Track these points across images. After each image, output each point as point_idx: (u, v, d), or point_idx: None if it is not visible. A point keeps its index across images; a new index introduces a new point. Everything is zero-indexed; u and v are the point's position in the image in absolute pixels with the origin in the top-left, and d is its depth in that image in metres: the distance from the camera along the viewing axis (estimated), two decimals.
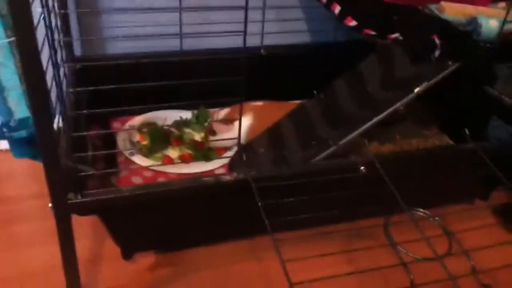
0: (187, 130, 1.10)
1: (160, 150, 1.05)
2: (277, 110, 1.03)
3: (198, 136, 1.08)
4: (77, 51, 1.13)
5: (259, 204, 0.68)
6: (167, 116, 1.14)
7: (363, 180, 0.79)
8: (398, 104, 0.83)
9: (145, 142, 1.05)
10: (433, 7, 0.88)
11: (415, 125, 1.16)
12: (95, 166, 0.92)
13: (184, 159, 1.02)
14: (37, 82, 0.57)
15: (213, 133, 1.06)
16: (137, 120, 1.10)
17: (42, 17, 0.68)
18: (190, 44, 1.20)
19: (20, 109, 0.77)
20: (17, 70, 0.74)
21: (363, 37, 1.05)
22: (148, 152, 1.03)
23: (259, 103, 1.06)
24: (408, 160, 0.86)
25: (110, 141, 1.07)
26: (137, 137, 1.08)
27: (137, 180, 0.94)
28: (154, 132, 1.07)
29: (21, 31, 0.54)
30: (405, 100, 0.83)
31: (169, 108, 1.12)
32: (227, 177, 0.72)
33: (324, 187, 0.76)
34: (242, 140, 0.98)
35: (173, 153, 1.05)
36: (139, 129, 1.09)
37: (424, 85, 0.83)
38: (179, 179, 0.87)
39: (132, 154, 1.00)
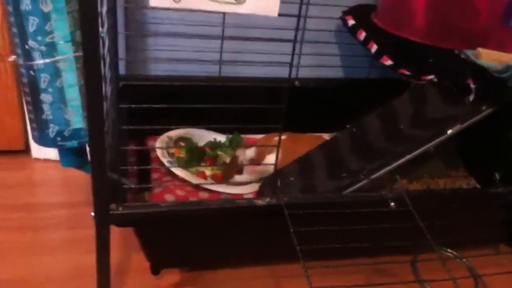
0: (219, 152, 1.13)
1: (195, 165, 1.08)
2: (305, 143, 1.06)
3: (229, 160, 1.11)
4: (121, 70, 1.18)
5: (291, 230, 0.70)
6: (202, 136, 1.18)
7: (392, 215, 0.80)
8: (430, 144, 0.85)
9: (180, 155, 1.09)
10: (469, 52, 0.91)
11: (442, 165, 1.18)
12: (132, 182, 0.96)
13: (216, 178, 1.05)
14: (96, 96, 0.62)
15: (241, 171, 1.08)
16: (173, 133, 1.14)
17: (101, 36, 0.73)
18: (228, 71, 1.25)
19: (76, 120, 0.81)
20: (78, 82, 0.79)
21: (398, 76, 1.09)
22: (184, 165, 1.06)
23: (285, 136, 1.09)
24: (438, 198, 0.87)
25: (143, 158, 1.11)
26: (172, 150, 1.12)
27: (169, 197, 0.97)
28: (191, 146, 1.10)
29: (88, 47, 0.58)
30: (437, 140, 0.85)
31: (204, 129, 1.16)
32: (260, 201, 0.75)
33: (353, 219, 0.78)
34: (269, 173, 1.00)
35: (206, 171, 1.08)
36: (176, 141, 1.12)
37: (457, 127, 0.85)
38: (214, 200, 0.90)
39: (170, 163, 1.04)
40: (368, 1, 1.22)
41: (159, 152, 1.05)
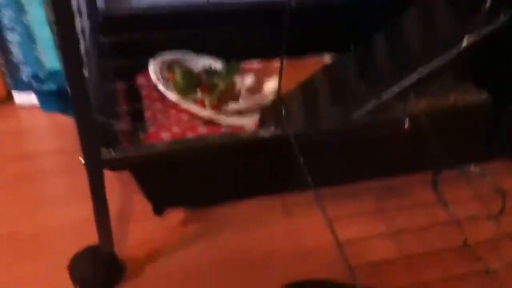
0: (216, 80, 1.05)
1: (191, 91, 1.01)
2: (305, 68, 0.98)
3: (224, 87, 1.04)
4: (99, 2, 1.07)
5: (301, 160, 0.65)
6: (197, 61, 1.09)
7: (407, 136, 0.75)
8: (443, 59, 0.78)
9: (176, 81, 1.01)
10: None
11: (452, 79, 1.11)
12: (123, 122, 0.90)
13: (215, 108, 0.98)
14: (68, 31, 0.54)
15: (236, 98, 1.01)
16: (166, 57, 1.06)
17: None
18: None
19: (50, 59, 0.73)
20: (46, 16, 0.70)
21: None
22: (180, 91, 0.99)
23: (287, 60, 1.00)
24: (454, 115, 0.81)
25: (135, 98, 1.03)
26: (166, 74, 1.03)
27: (165, 135, 0.91)
28: (186, 71, 1.03)
29: None
30: (451, 55, 0.78)
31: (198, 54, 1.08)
32: (266, 133, 0.69)
33: (366, 143, 0.72)
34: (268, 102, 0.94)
35: (201, 98, 1.01)
36: (170, 65, 1.05)
37: (472, 39, 0.77)
38: (215, 135, 0.84)
39: (165, 88, 0.97)
40: None
41: (153, 76, 0.98)
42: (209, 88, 1.03)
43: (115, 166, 0.67)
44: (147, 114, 0.98)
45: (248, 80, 0.99)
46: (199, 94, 1.00)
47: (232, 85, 1.00)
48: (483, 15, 0.79)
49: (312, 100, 0.93)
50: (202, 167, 0.76)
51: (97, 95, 0.75)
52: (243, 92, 0.97)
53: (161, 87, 0.94)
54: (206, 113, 0.94)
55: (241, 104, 0.96)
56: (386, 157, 0.78)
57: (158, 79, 0.97)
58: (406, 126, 0.72)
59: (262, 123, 0.94)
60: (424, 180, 0.86)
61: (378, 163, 0.77)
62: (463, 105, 0.88)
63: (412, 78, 0.79)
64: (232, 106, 0.96)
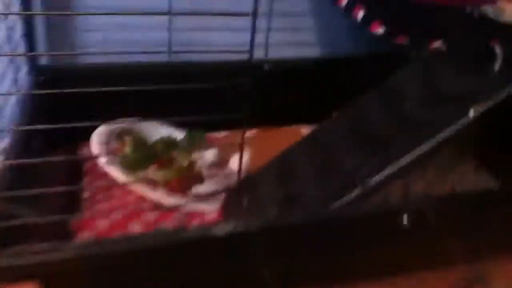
0: (174, 152, 0.88)
1: (142, 167, 0.83)
2: (281, 139, 0.82)
3: (186, 163, 0.87)
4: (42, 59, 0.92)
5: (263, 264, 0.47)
6: (154, 131, 0.92)
7: (406, 233, 0.57)
8: (449, 130, 0.63)
9: (124, 153, 0.84)
10: (488, 9, 0.69)
11: (451, 156, 0.96)
12: (53, 206, 0.71)
13: (170, 188, 0.80)
14: None
15: (201, 180, 0.83)
16: (117, 124, 0.88)
17: None
18: (179, 55, 1.00)
19: None
20: None
21: (392, 48, 0.86)
22: (129, 166, 0.81)
23: (257, 131, 0.84)
24: (468, 205, 0.65)
25: (75, 173, 0.86)
26: (113, 145, 0.86)
27: (102, 224, 0.72)
28: (139, 142, 0.85)
29: None
30: (458, 125, 0.63)
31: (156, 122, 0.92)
32: (219, 230, 0.51)
33: (350, 237, 0.55)
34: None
35: (156, 175, 0.83)
36: (120, 135, 0.87)
37: (482, 104, 0.63)
38: (148, 233, 0.65)
39: (110, 163, 0.78)
40: None
41: (95, 146, 0.80)
42: (166, 164, 0.86)
43: (9, 277, 0.47)
44: (85, 195, 0.79)
45: (211, 154, 0.82)
46: (152, 171, 0.83)
47: (192, 162, 0.82)
48: (493, 78, 0.65)
49: (288, 178, 0.76)
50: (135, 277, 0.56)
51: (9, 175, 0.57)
52: (205, 169, 0.80)
53: (103, 160, 0.76)
54: (158, 195, 0.76)
55: (204, 184, 0.78)
56: (383, 254, 0.60)
57: (101, 150, 0.80)
58: (405, 222, 0.55)
59: (224, 211, 0.76)
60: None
61: (371, 262, 0.59)
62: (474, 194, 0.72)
63: (413, 153, 0.63)
64: (193, 186, 0.78)
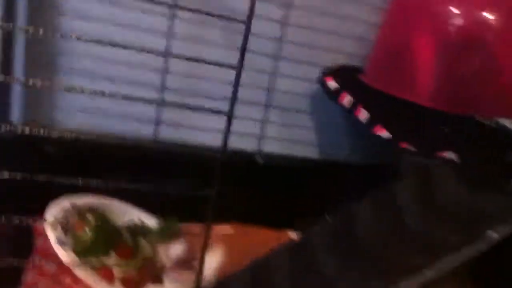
0: (142, 241, 0.77)
1: (101, 252, 0.71)
2: (262, 240, 0.71)
3: (151, 255, 0.75)
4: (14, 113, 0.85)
5: None
6: (123, 212, 0.82)
7: None
8: (464, 253, 0.53)
9: (82, 235, 0.72)
10: (506, 121, 0.63)
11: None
12: None
13: (126, 284, 0.68)
14: None
15: (160, 280, 0.71)
16: (81, 200, 0.78)
17: None
18: (167, 133, 0.93)
19: None
20: None
21: (396, 156, 0.79)
22: (85, 249, 0.69)
23: (232, 229, 0.74)
24: None
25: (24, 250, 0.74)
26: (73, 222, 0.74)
27: None
28: (102, 223, 0.74)
29: None
30: (474, 248, 0.53)
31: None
32: None
33: None
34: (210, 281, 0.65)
35: (114, 266, 0.71)
36: (82, 212, 0.76)
37: (504, 228, 0.53)
38: None
39: (61, 243, 0.66)
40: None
41: (49, 221, 0.69)
42: (129, 253, 0.74)
43: None
44: (27, 277, 0.67)
45: (178, 249, 0.70)
46: (112, 259, 0.71)
47: (157, 254, 0.70)
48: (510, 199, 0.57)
49: (265, 287, 0.64)
50: None
51: None
52: (168, 265, 0.68)
53: (52, 239, 0.65)
54: None
55: (165, 284, 0.66)
56: None
57: (55, 227, 0.69)
58: None
59: None
60: None
61: None
62: None
63: (415, 278, 0.52)
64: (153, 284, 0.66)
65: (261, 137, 0.97)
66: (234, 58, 0.53)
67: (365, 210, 0.69)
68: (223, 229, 0.72)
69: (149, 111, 0.90)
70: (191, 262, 0.68)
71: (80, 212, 0.77)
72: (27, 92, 0.84)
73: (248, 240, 0.72)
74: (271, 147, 0.97)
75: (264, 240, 0.71)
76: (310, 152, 1.00)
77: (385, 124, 0.77)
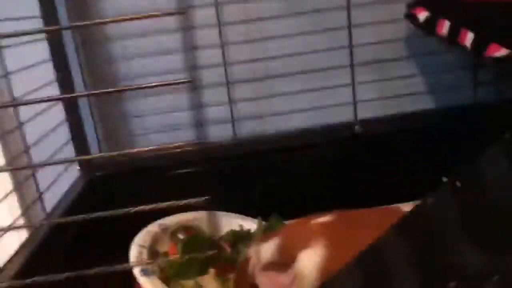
0: (244, 248, 0.68)
1: (196, 273, 0.64)
2: (370, 226, 0.57)
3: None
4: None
5: None
6: (222, 223, 0.74)
7: None
8: None
9: (173, 257, 0.66)
10: None
11: None
12: None
13: None
14: None
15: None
16: (172, 219, 0.71)
17: None
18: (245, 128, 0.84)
19: None
20: None
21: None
22: (176, 274, 0.63)
23: (333, 218, 0.60)
24: None
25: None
26: (165, 246, 0.68)
27: None
28: (194, 241, 0.67)
29: None
30: None
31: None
32: None
33: None
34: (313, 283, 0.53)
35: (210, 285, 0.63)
36: (175, 233, 0.70)
37: None
38: None
39: (145, 273, 0.60)
40: None
41: (133, 254, 0.63)
42: (228, 267, 0.66)
43: None
44: None
45: (267, 249, 0.58)
46: (208, 278, 0.64)
47: (245, 261, 0.60)
48: None
49: (381, 284, 0.50)
50: None
51: None
52: (258, 273, 0.57)
53: (136, 272, 0.59)
54: None
55: None
56: None
57: (139, 257, 0.63)
58: None
59: None
60: None
61: None
62: None
63: None
64: None
65: (355, 103, 0.82)
66: None
67: (499, 165, 0.51)
68: (322, 218, 0.60)
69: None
70: (286, 264, 0.56)
71: (173, 233, 0.71)
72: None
73: (354, 227, 0.59)
74: (369, 112, 0.82)
75: (374, 224, 0.56)
76: (414, 105, 0.83)
77: (501, 41, 0.58)
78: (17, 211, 0.77)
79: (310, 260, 0.55)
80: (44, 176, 0.70)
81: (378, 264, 0.52)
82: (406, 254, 0.52)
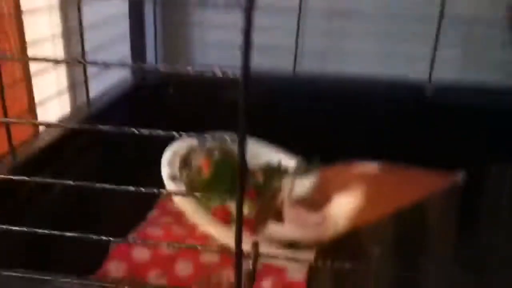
0: (276, 183, 0.65)
1: (221, 189, 0.63)
2: (415, 183, 0.52)
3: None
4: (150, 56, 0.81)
5: None
6: (260, 153, 0.72)
7: None
8: None
9: (204, 171, 0.64)
10: None
11: None
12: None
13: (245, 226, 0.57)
14: None
15: (279, 217, 0.55)
16: (212, 138, 0.69)
17: None
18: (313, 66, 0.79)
19: None
20: None
21: None
22: (202, 187, 0.62)
23: (379, 169, 0.55)
24: None
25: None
26: (198, 160, 0.66)
27: (141, 254, 0.53)
28: (226, 161, 0.66)
29: None
30: None
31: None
32: None
33: None
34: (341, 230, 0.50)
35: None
36: (211, 150, 0.68)
37: None
38: None
39: (174, 179, 0.59)
40: None
41: (166, 158, 0.62)
42: (253, 194, 0.64)
43: None
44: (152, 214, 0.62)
45: (303, 185, 0.55)
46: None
47: (274, 193, 0.57)
48: None
49: (417, 242, 0.46)
50: None
51: None
52: (287, 205, 0.54)
53: (164, 174, 0.58)
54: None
55: (283, 227, 0.53)
56: None
57: (172, 162, 0.61)
58: None
59: (311, 279, 0.49)
60: None
61: None
62: None
63: None
64: (272, 228, 0.54)
65: (431, 62, 0.74)
66: None
67: None
68: (367, 167, 0.55)
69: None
70: (319, 204, 0.53)
71: (208, 152, 0.69)
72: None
73: (397, 183, 0.54)
74: (445, 74, 0.74)
75: (419, 184, 0.52)
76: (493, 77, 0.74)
77: None
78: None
79: (345, 205, 0.52)
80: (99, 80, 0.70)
81: (415, 224, 0.48)
82: (449, 217, 0.47)
